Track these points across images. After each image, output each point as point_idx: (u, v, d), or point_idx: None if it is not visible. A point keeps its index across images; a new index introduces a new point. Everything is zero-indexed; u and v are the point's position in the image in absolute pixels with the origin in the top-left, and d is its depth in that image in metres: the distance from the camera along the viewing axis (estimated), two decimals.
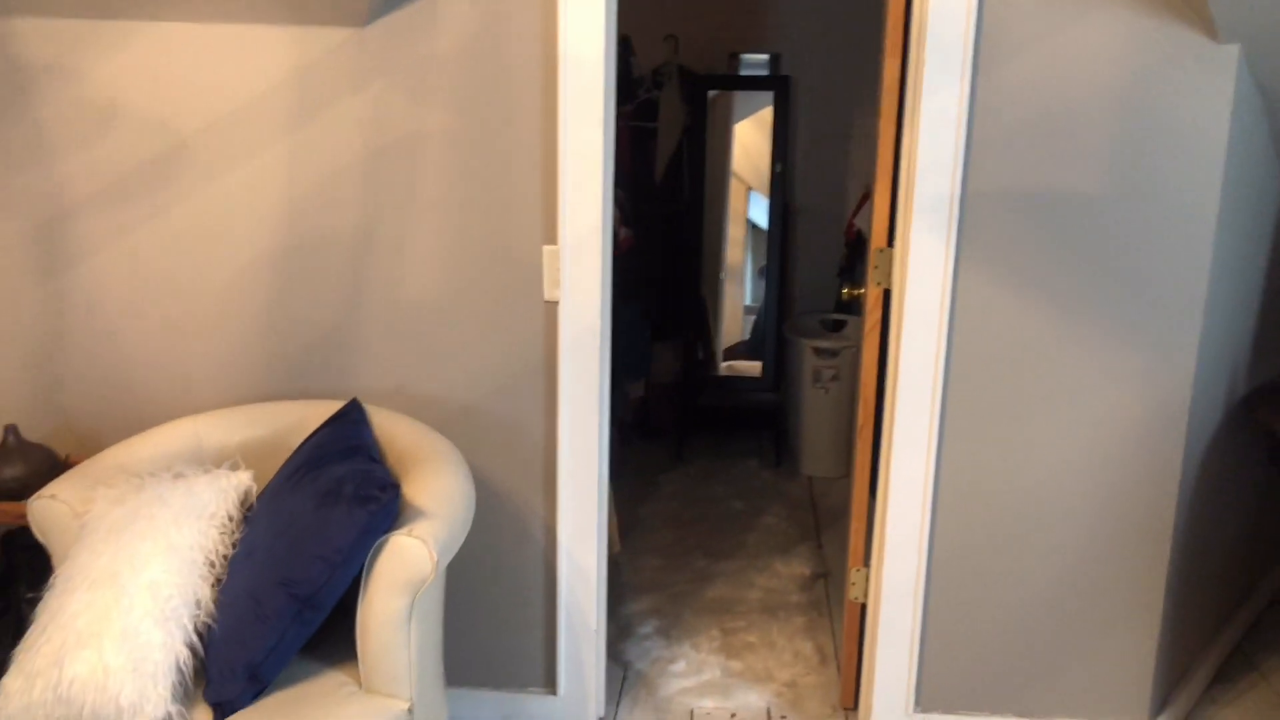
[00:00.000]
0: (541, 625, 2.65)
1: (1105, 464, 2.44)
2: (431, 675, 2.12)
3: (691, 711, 2.80)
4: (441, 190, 2.43)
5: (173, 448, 2.29)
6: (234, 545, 2.06)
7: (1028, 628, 2.54)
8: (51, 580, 1.96)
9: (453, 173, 2.41)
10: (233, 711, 1.91)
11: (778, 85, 4.62)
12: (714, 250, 4.79)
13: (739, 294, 4.90)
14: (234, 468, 2.21)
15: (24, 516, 2.14)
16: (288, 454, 2.27)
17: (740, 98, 4.74)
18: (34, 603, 1.96)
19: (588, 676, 2.67)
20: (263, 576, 1.97)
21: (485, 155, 2.40)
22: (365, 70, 2.37)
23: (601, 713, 2.74)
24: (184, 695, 1.89)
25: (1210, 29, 2.17)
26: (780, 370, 4.76)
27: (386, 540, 1.96)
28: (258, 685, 1.94)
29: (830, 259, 4.88)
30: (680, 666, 3.00)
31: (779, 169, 4.60)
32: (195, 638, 1.92)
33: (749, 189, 4.77)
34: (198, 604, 1.95)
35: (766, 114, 4.64)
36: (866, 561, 2.66)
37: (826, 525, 4.00)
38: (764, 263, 4.76)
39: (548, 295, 2.45)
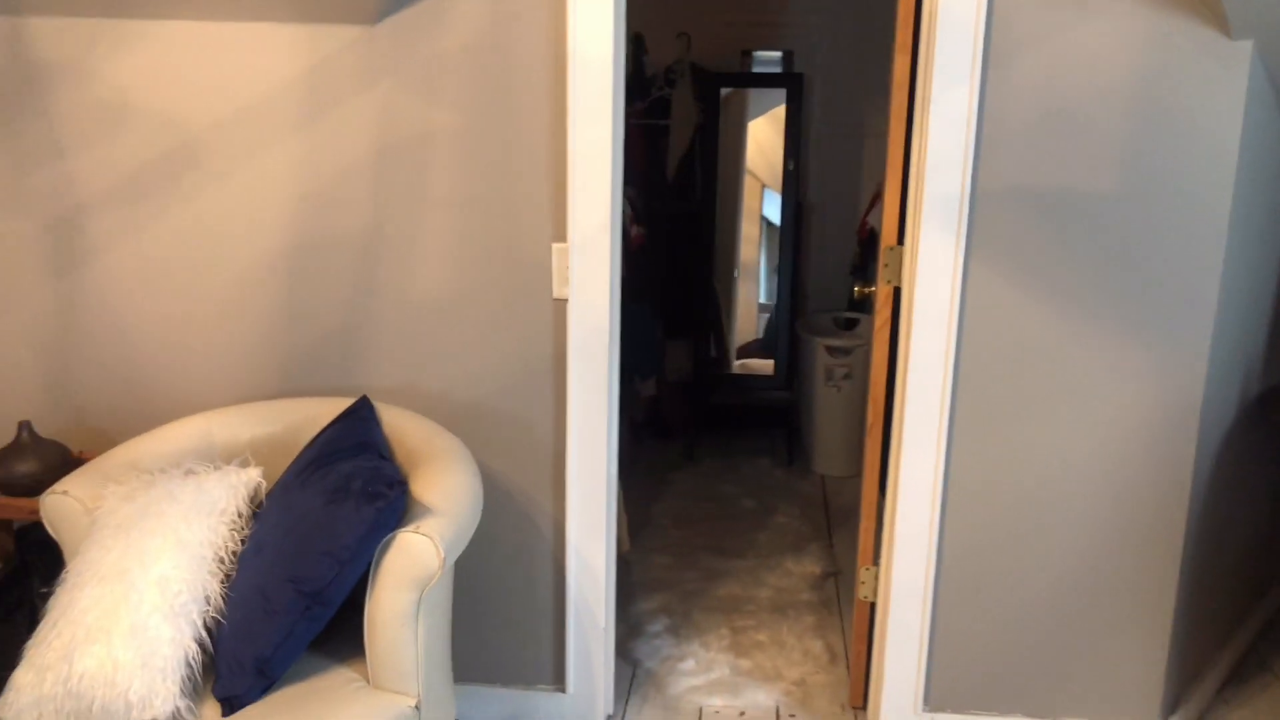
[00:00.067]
0: (551, 623, 2.66)
1: (1116, 463, 2.42)
2: (439, 671, 2.13)
3: (700, 710, 2.80)
4: (451, 188, 2.43)
5: (184, 444, 2.31)
6: (243, 541, 2.08)
7: (1037, 627, 2.53)
8: (63, 575, 1.98)
9: (462, 170, 2.42)
10: (241, 706, 1.93)
11: (790, 83, 4.61)
12: (727, 248, 4.78)
13: (753, 292, 4.88)
14: (244, 464, 2.22)
15: (37, 512, 2.16)
16: (298, 451, 2.28)
17: (755, 95, 4.73)
18: (47, 597, 1.98)
19: (596, 674, 2.67)
20: (271, 572, 1.98)
21: (494, 153, 2.40)
22: (374, 69, 2.38)
23: (610, 710, 2.74)
24: (193, 690, 1.90)
25: (1223, 25, 2.15)
26: (793, 368, 4.75)
27: (394, 537, 1.96)
28: (266, 681, 1.95)
29: (844, 257, 4.87)
30: (689, 665, 3.00)
31: (791, 167, 4.59)
32: (204, 633, 1.94)
33: (763, 187, 4.76)
34: (207, 600, 1.96)
35: (781, 111, 4.63)
36: (876, 560, 2.65)
37: (838, 524, 3.99)
38: (778, 261, 4.75)
39: (557, 293, 2.46)
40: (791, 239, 4.67)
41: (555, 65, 2.34)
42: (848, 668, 2.97)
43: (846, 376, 4.40)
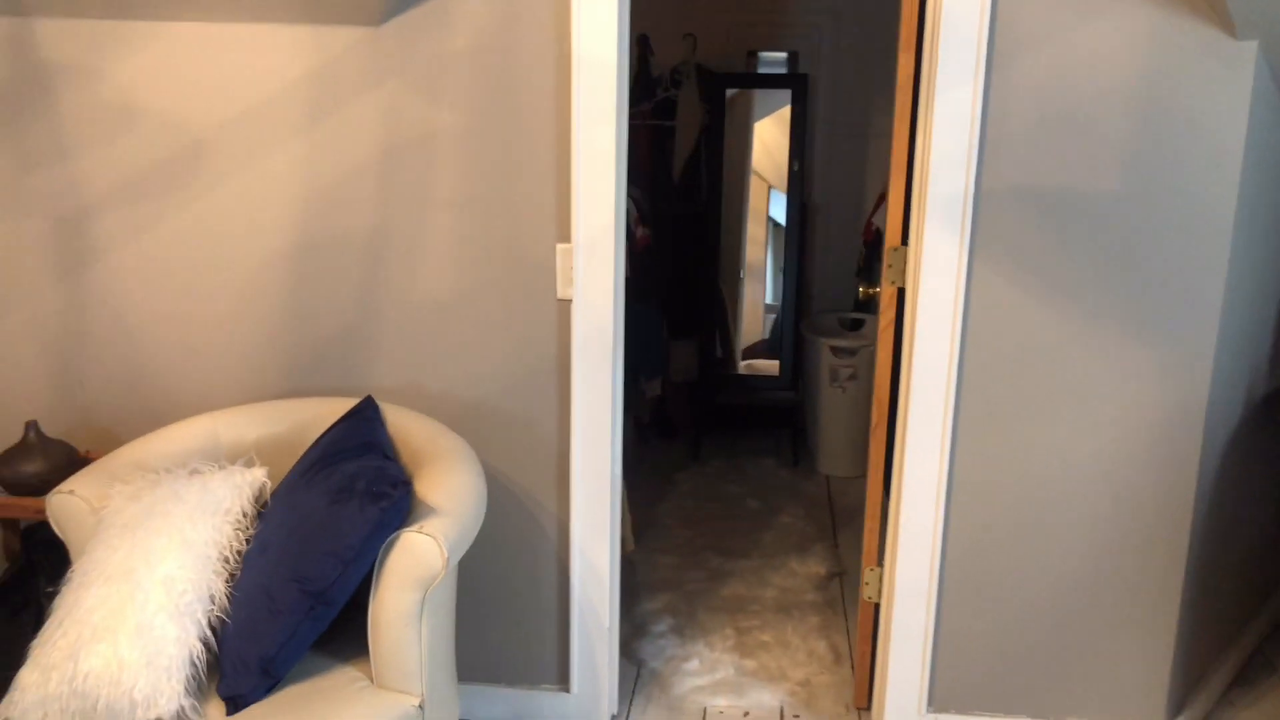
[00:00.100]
0: (555, 623, 2.66)
1: (1121, 463, 2.42)
2: (443, 671, 2.13)
3: (705, 710, 2.80)
4: (455, 188, 2.44)
5: (189, 444, 2.31)
6: (248, 541, 2.08)
7: (1042, 627, 2.53)
8: (68, 575, 1.99)
9: (466, 171, 2.42)
10: (245, 706, 1.93)
11: (795, 83, 4.61)
12: (733, 249, 4.78)
13: (760, 292, 4.88)
14: (249, 464, 2.23)
15: (44, 511, 2.17)
16: (303, 450, 2.28)
17: (761, 96, 4.73)
18: (53, 596, 1.98)
19: (601, 674, 2.68)
20: (276, 572, 1.99)
21: (498, 153, 2.40)
22: (379, 69, 2.39)
23: (615, 710, 2.74)
24: (197, 689, 1.91)
25: (1228, 25, 2.15)
26: (798, 369, 4.75)
27: (398, 537, 1.97)
28: (270, 680, 1.96)
29: (849, 257, 4.86)
30: (694, 665, 3.00)
31: (796, 167, 4.59)
32: (209, 632, 1.95)
33: (769, 187, 4.77)
34: (212, 599, 1.97)
35: (787, 112, 4.63)
36: (880, 561, 2.65)
37: (843, 524, 3.99)
38: (784, 261, 4.75)
39: (561, 293, 2.46)
40: (796, 240, 4.67)
41: (559, 66, 2.34)
42: (852, 668, 2.97)
43: (852, 377, 4.40)
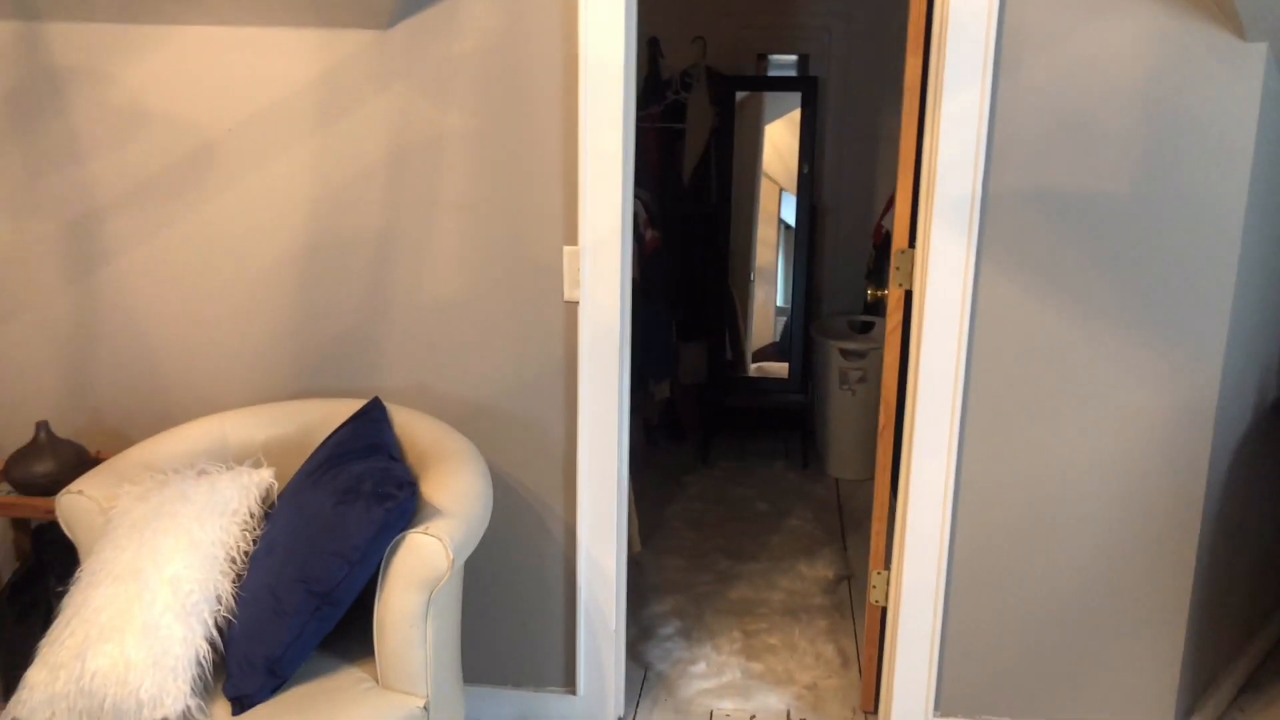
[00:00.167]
0: (561, 625, 2.66)
1: (1129, 467, 2.41)
2: (448, 672, 2.13)
3: (711, 713, 2.80)
4: (463, 191, 2.44)
5: (198, 445, 2.33)
6: (255, 542, 2.09)
7: (1049, 632, 2.52)
8: (77, 574, 2.00)
9: (474, 174, 2.43)
10: (251, 706, 1.94)
11: (805, 86, 4.61)
12: (743, 251, 4.78)
13: (771, 295, 4.88)
14: (256, 465, 2.24)
15: (54, 511, 2.18)
16: (311, 451, 2.29)
17: (772, 99, 4.73)
18: (63, 595, 1.99)
19: (607, 676, 2.68)
20: (282, 573, 1.99)
21: (506, 156, 2.41)
22: (387, 73, 2.40)
23: (621, 713, 2.74)
24: (204, 689, 1.92)
25: (1237, 26, 2.14)
26: (807, 371, 4.75)
27: (403, 538, 1.97)
28: (276, 680, 1.97)
29: (859, 260, 4.86)
30: (701, 668, 3.00)
31: (806, 170, 4.59)
32: (215, 633, 1.95)
33: (781, 190, 4.76)
34: (218, 599, 1.98)
35: (798, 115, 4.63)
36: (888, 564, 2.64)
37: (852, 528, 3.98)
38: (793, 264, 4.74)
39: (568, 296, 2.46)
40: (806, 242, 4.66)
41: (567, 68, 2.35)
42: (860, 672, 2.96)
43: (861, 380, 4.39)
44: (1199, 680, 2.63)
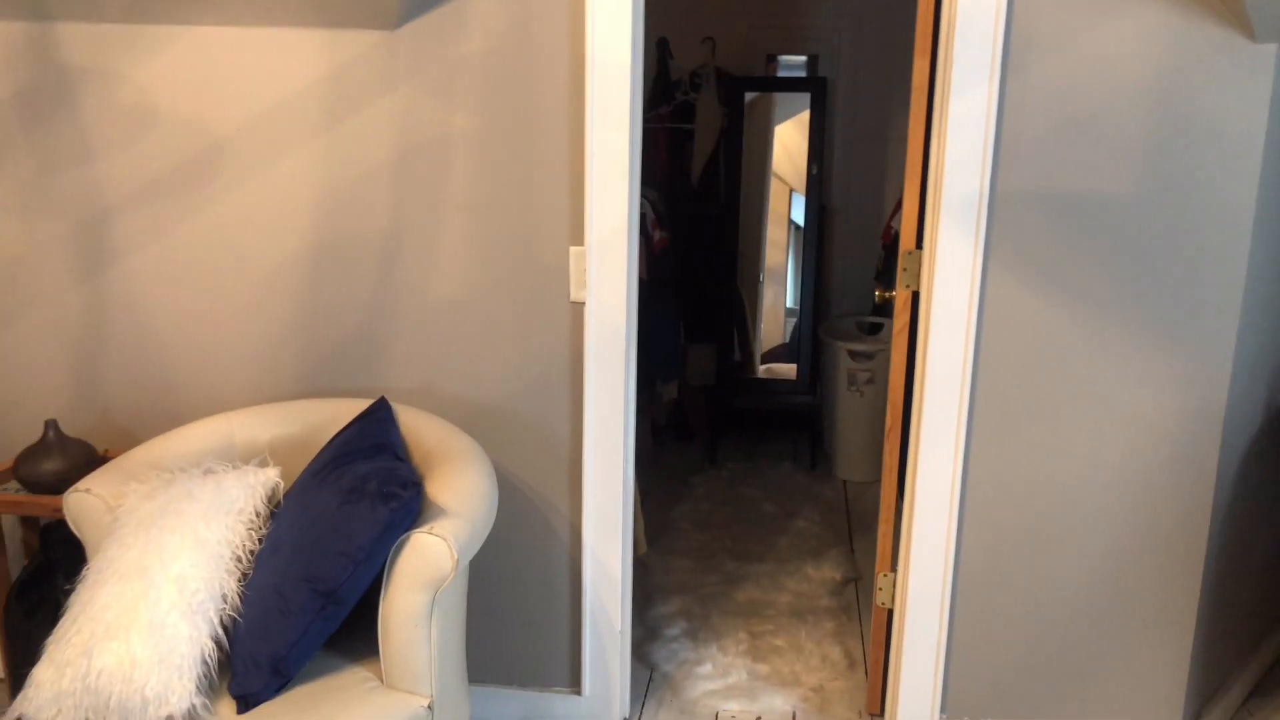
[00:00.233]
0: (567, 625, 2.67)
1: (1137, 468, 2.40)
2: (453, 672, 2.14)
3: (716, 714, 2.80)
4: (469, 191, 2.45)
5: (205, 444, 2.33)
6: (260, 540, 2.10)
7: (1056, 634, 2.51)
8: (84, 572, 2.01)
9: (480, 174, 2.43)
10: (256, 704, 1.94)
11: (814, 87, 4.60)
12: (752, 252, 4.78)
13: (781, 296, 4.88)
14: (262, 464, 2.25)
15: (61, 509, 2.19)
16: (317, 451, 2.30)
17: (783, 99, 4.72)
18: (70, 593, 2.00)
19: (612, 677, 2.68)
20: (287, 572, 2.00)
21: (512, 157, 2.41)
22: (395, 73, 2.40)
23: (626, 713, 2.74)
24: (209, 688, 1.92)
25: (1246, 27, 2.13)
26: (816, 373, 4.74)
27: (408, 537, 1.98)
28: (281, 679, 1.97)
29: (868, 261, 4.85)
30: (707, 669, 2.99)
31: (815, 170, 4.58)
32: (221, 631, 1.96)
33: (791, 191, 4.76)
34: (224, 598, 1.98)
35: (808, 116, 4.62)
36: (894, 566, 2.64)
37: (859, 529, 3.97)
38: (802, 265, 4.73)
39: (574, 296, 2.46)
40: (815, 243, 4.66)
41: (574, 69, 2.35)
42: (866, 674, 2.95)
43: (869, 381, 4.38)
44: (1208, 683, 2.61)
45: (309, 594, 1.97)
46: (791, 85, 4.76)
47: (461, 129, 2.41)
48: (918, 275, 2.46)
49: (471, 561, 2.27)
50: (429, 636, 2.00)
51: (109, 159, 2.54)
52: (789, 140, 4.70)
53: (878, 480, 4.36)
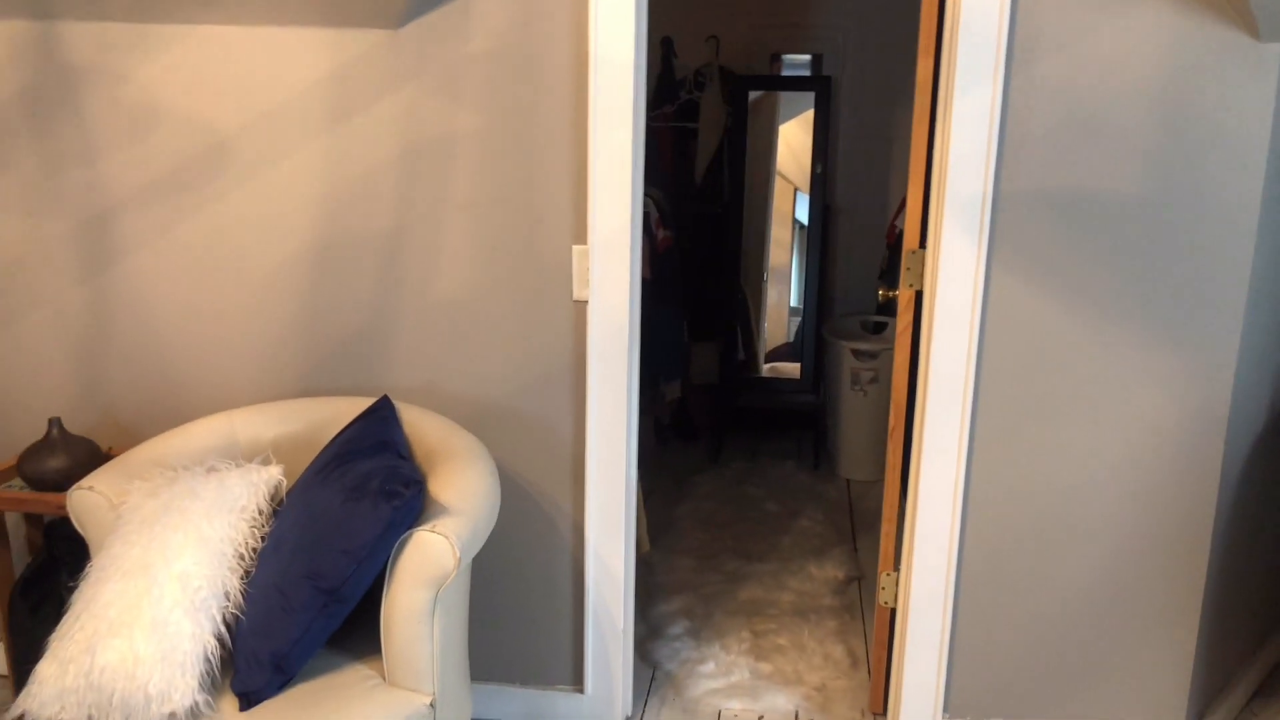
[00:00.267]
0: (569, 623, 2.67)
1: (1141, 469, 2.39)
2: (455, 670, 2.14)
3: (719, 713, 2.80)
4: (473, 190, 2.45)
5: (208, 442, 2.34)
6: (263, 538, 2.10)
7: (1059, 634, 2.50)
8: (87, 569, 2.02)
9: (484, 172, 2.44)
10: (259, 701, 1.95)
11: (818, 86, 4.60)
12: (756, 251, 4.78)
13: (784, 295, 4.87)
14: (265, 462, 2.25)
15: (65, 506, 2.20)
16: (320, 449, 2.30)
17: (787, 98, 4.72)
18: (74, 590, 2.01)
19: (615, 675, 2.68)
20: (290, 569, 2.00)
21: (516, 155, 2.41)
22: (399, 72, 2.40)
23: (629, 712, 2.74)
24: (211, 685, 1.93)
25: (1251, 27, 2.12)
26: (819, 372, 4.74)
27: (410, 535, 1.98)
28: (284, 676, 1.97)
29: (872, 260, 4.85)
30: (709, 668, 2.99)
31: (819, 170, 4.58)
32: (223, 628, 1.96)
33: (795, 190, 4.75)
34: (226, 595, 1.99)
35: (812, 115, 4.62)
36: (897, 565, 2.63)
37: (862, 529, 3.97)
38: (806, 264, 4.73)
39: (577, 295, 2.47)
40: (819, 242, 4.65)
41: (577, 68, 2.35)
42: (869, 673, 2.95)
43: (873, 380, 4.38)
44: (1211, 684, 2.61)
45: (311, 591, 1.97)
46: (795, 84, 4.76)
47: (464, 128, 2.42)
48: (921, 274, 2.45)
49: (474, 560, 2.27)
50: (431, 634, 2.01)
51: (112, 158, 2.55)
52: (793, 139, 4.70)
53: (881, 479, 4.35)
